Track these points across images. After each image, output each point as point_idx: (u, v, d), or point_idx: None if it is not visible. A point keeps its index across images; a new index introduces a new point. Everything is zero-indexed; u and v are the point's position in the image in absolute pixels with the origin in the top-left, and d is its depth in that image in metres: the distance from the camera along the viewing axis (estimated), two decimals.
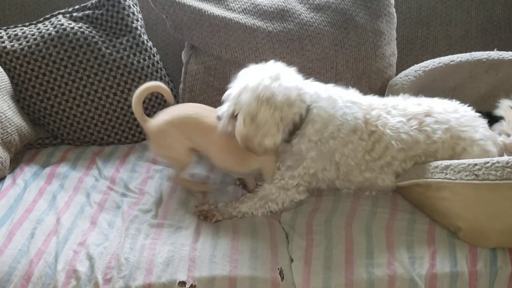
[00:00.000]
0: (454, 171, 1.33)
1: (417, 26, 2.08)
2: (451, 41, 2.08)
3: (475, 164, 1.31)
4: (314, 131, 1.42)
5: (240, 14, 1.79)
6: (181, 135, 1.53)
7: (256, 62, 1.73)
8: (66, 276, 1.30)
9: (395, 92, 1.75)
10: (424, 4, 2.08)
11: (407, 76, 1.78)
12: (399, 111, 1.46)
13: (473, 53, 1.80)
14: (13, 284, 1.28)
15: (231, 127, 1.41)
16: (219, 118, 1.46)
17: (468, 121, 1.46)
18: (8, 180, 1.64)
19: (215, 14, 1.76)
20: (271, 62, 1.47)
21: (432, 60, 1.81)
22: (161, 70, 1.94)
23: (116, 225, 1.47)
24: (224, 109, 1.43)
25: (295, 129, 1.43)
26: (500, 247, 1.35)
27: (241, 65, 1.75)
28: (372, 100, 1.52)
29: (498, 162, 1.29)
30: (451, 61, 1.79)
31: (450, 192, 1.35)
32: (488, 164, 1.30)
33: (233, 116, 1.40)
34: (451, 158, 1.42)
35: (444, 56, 1.83)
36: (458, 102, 1.54)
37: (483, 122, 1.51)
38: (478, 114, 1.52)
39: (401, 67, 1.94)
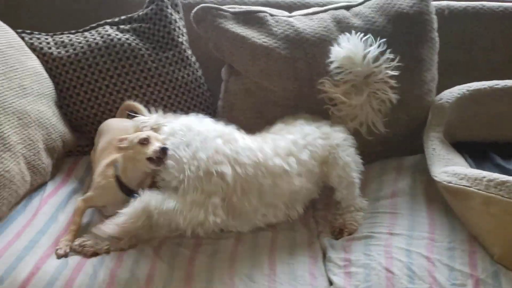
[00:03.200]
0: (510, 190, 1.33)
1: (458, 50, 2.07)
2: (493, 66, 2.07)
3: None
4: None
5: (282, 41, 1.78)
6: None
7: (295, 94, 1.76)
8: (107, 287, 1.32)
9: (438, 108, 1.76)
10: (467, 28, 2.06)
11: (451, 93, 1.78)
12: None
13: None
14: None
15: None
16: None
17: None
18: (50, 187, 1.67)
19: (257, 43, 1.76)
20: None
21: (476, 82, 1.80)
22: (203, 85, 1.96)
23: None
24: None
25: None
26: None
27: (280, 94, 1.78)
28: None
29: None
30: (496, 85, 1.77)
31: (499, 210, 1.34)
32: None
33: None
34: None
35: None
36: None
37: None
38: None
39: (441, 91, 1.92)
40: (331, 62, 1.72)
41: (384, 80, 1.72)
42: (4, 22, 1.70)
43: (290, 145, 1.53)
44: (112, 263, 1.38)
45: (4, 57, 1.58)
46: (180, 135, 1.47)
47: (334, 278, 1.38)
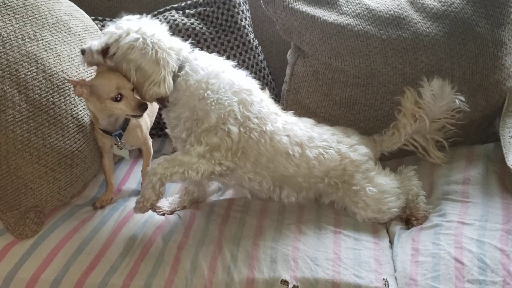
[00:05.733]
0: None
1: None
2: None
3: None
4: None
5: (354, 19, 1.74)
6: None
7: (367, 71, 1.71)
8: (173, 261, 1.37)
9: None
10: None
11: None
12: None
13: None
14: None
15: (96, 61, 1.44)
16: (84, 51, 1.44)
17: None
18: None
19: (328, 22, 1.72)
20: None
21: None
22: (264, 69, 1.96)
23: None
24: (95, 44, 1.43)
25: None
26: None
27: (350, 73, 1.73)
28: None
29: None
30: None
31: None
32: None
33: (102, 51, 1.43)
34: None
35: None
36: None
37: None
38: None
39: None
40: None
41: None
42: (79, 6, 1.77)
43: (305, 138, 1.52)
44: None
45: (80, 39, 1.65)
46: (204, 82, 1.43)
47: (401, 266, 1.34)
